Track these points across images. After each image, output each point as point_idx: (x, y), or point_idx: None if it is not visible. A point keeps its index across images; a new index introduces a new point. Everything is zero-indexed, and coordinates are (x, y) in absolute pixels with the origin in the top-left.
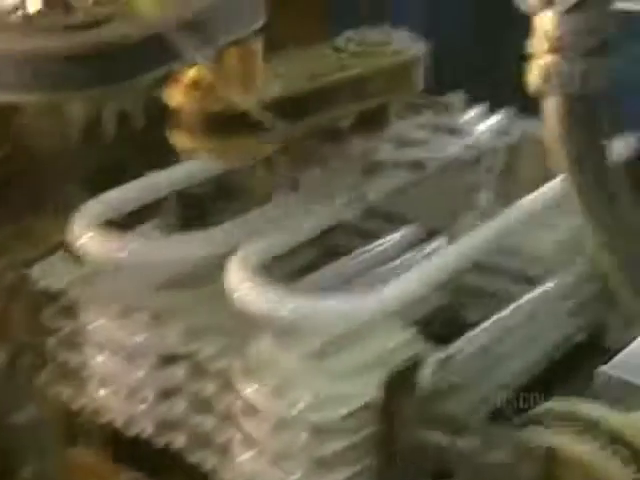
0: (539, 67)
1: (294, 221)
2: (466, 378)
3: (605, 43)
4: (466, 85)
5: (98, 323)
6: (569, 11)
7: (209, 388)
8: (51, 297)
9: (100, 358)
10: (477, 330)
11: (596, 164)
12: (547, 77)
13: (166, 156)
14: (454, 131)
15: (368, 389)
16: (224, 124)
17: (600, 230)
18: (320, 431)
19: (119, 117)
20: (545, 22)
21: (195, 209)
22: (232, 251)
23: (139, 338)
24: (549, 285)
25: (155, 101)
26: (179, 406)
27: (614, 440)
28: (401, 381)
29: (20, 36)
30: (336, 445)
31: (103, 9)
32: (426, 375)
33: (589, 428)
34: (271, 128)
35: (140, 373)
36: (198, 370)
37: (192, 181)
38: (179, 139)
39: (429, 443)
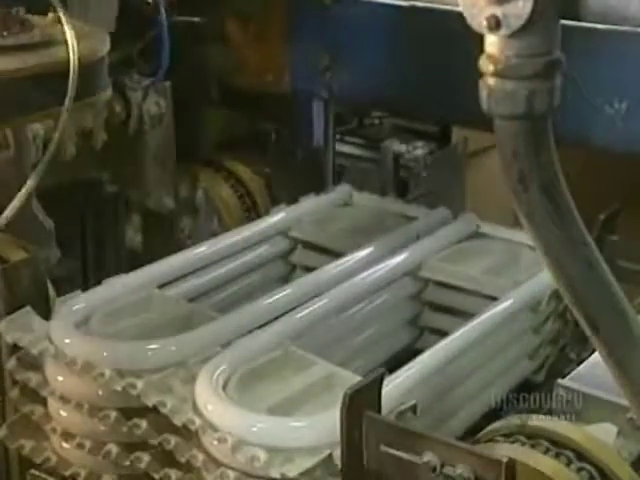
0: (486, 88)
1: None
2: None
3: (551, 65)
4: None
5: (62, 378)
6: (514, 35)
7: (172, 441)
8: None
9: (64, 412)
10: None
11: (542, 183)
12: (492, 98)
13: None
14: None
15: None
16: None
17: (548, 248)
18: None
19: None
20: (491, 45)
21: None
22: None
23: (102, 392)
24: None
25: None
26: (142, 459)
27: (571, 451)
28: (364, 395)
29: None
30: None
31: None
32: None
33: (551, 442)
34: None
35: (103, 427)
36: (161, 424)
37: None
38: None
39: (393, 459)
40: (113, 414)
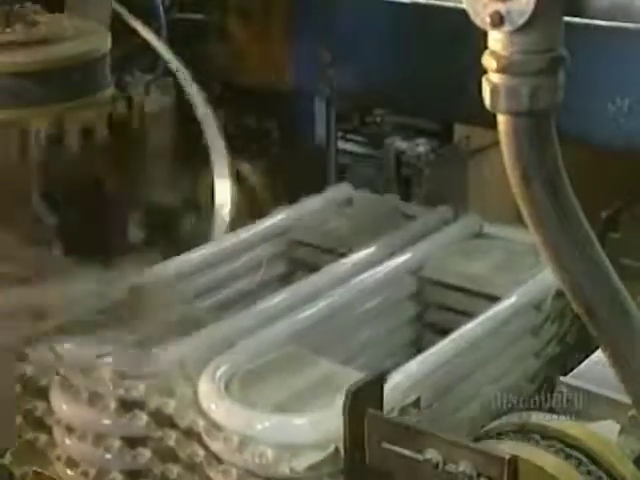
0: (490, 84)
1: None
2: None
3: (554, 61)
4: None
5: (67, 407)
6: (517, 31)
7: (175, 471)
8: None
9: (68, 440)
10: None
11: (545, 179)
12: (496, 95)
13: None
14: None
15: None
16: None
17: (550, 245)
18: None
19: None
20: (494, 41)
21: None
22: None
23: (107, 421)
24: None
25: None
26: None
27: (574, 449)
28: (367, 393)
29: None
30: None
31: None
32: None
33: (553, 440)
34: None
35: (107, 455)
36: (165, 454)
37: None
38: None
39: (396, 456)
40: (117, 443)
